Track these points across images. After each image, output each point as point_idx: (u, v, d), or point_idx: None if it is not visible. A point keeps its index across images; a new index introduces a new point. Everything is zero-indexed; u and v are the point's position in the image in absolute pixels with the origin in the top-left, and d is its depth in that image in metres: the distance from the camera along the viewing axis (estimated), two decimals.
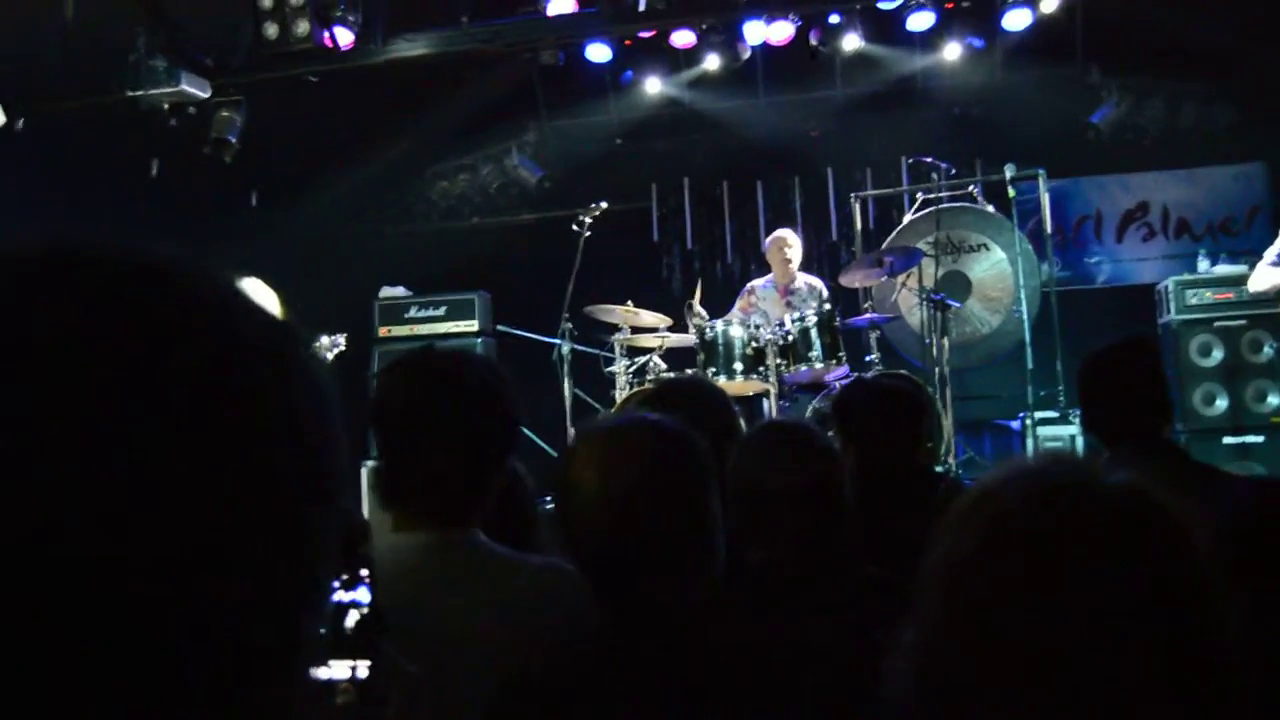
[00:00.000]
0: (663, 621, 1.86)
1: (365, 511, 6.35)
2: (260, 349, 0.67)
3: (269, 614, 0.63)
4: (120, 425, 0.58)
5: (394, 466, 2.18)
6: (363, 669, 1.06)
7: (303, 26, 7.20)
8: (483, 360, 2.33)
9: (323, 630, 0.72)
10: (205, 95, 7.59)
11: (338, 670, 1.04)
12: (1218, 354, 7.85)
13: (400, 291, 9.08)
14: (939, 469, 6.40)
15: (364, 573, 1.09)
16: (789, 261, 7.78)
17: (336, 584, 1.07)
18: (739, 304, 7.83)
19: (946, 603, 1.07)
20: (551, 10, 7.50)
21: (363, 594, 1.08)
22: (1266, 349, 7.67)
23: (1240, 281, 7.64)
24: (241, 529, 0.61)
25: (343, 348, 7.02)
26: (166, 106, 7.56)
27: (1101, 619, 0.99)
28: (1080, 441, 7.11)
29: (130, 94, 7.30)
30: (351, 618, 1.06)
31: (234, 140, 7.87)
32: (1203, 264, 8.53)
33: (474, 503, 2.16)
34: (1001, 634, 1.02)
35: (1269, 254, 6.16)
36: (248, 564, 0.62)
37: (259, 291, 6.50)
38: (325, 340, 7.02)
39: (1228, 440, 7.71)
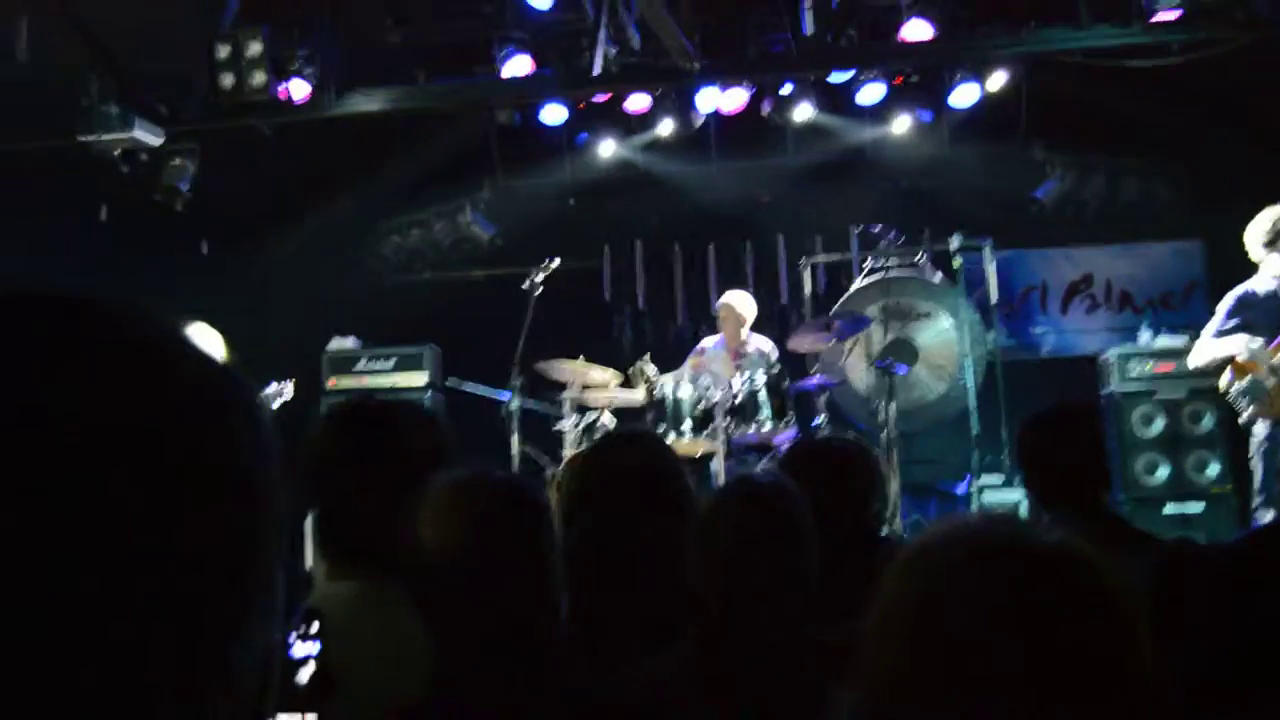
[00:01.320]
0: (497, 670, 1.88)
1: (309, 562, 6.26)
2: (201, 392, 0.67)
3: (198, 649, 0.63)
4: (47, 469, 0.59)
5: (328, 514, 2.16)
6: None
7: (259, 78, 7.20)
8: (418, 409, 2.32)
9: (270, 681, 0.72)
10: (158, 142, 7.55)
11: None
12: (1159, 424, 7.96)
13: (350, 343, 9.03)
14: (884, 532, 6.42)
15: (315, 627, 1.09)
16: (741, 324, 7.83)
17: (294, 636, 1.06)
18: (690, 362, 7.85)
19: (888, 659, 1.09)
20: (507, 72, 7.55)
21: (314, 648, 1.08)
22: (1207, 420, 7.80)
23: (1180, 354, 7.78)
24: (172, 566, 0.62)
25: (289, 396, 6.95)
26: (118, 153, 7.51)
27: (1040, 673, 1.01)
28: (1025, 507, 7.17)
29: (81, 138, 7.25)
30: (305, 672, 1.06)
31: (185, 189, 7.84)
32: (1144, 336, 8.67)
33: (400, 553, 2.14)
34: (944, 689, 1.03)
35: (1206, 331, 6.29)
36: (177, 604, 0.62)
37: (205, 336, 6.46)
38: (273, 387, 6.94)
39: (1169, 509, 7.80)
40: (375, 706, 1.89)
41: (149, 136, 7.44)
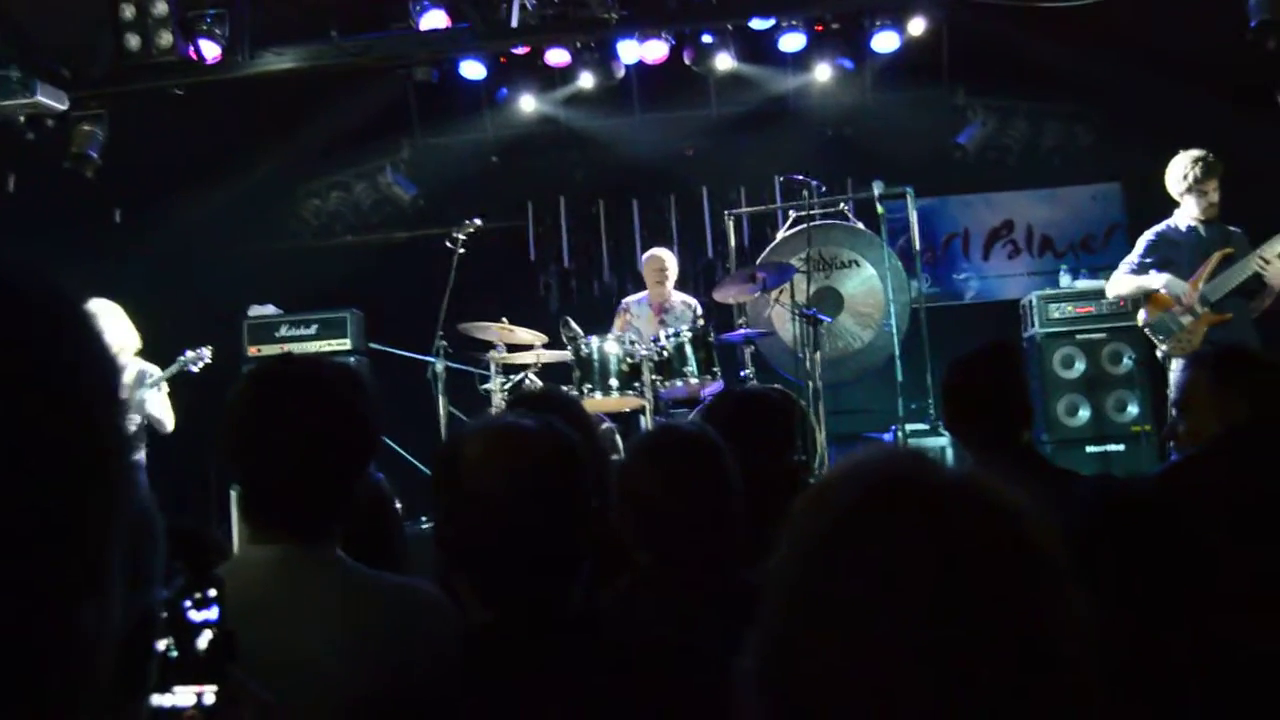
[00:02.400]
0: (553, 620, 1.86)
1: (236, 534, 6.19)
2: (38, 338, 0.64)
3: (38, 601, 0.60)
4: None
5: (248, 477, 2.11)
6: (209, 695, 1.01)
7: (166, 38, 7.01)
8: (339, 367, 2.24)
9: (147, 647, 0.68)
10: (63, 108, 7.34)
11: (182, 697, 1.00)
12: (1080, 366, 8.10)
13: (270, 310, 8.91)
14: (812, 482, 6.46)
15: (212, 592, 1.05)
16: (665, 280, 7.82)
17: (188, 603, 1.02)
18: (617, 322, 7.84)
19: (788, 599, 1.06)
20: (423, 25, 7.42)
21: (213, 614, 1.04)
22: (1126, 360, 7.94)
23: (1100, 296, 7.92)
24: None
25: (208, 360, 6.91)
26: (22, 119, 7.29)
27: (944, 612, 0.99)
28: (950, 453, 7.27)
29: None
30: (203, 640, 1.02)
31: (95, 155, 7.62)
32: (1065, 279, 8.81)
33: (329, 516, 2.09)
34: (842, 628, 1.01)
35: (1125, 263, 6.39)
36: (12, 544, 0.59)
37: (107, 312, 6.37)
38: (190, 354, 6.92)
39: (1090, 449, 7.95)
40: (292, 672, 1.85)
41: (53, 101, 7.23)
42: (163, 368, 6.93)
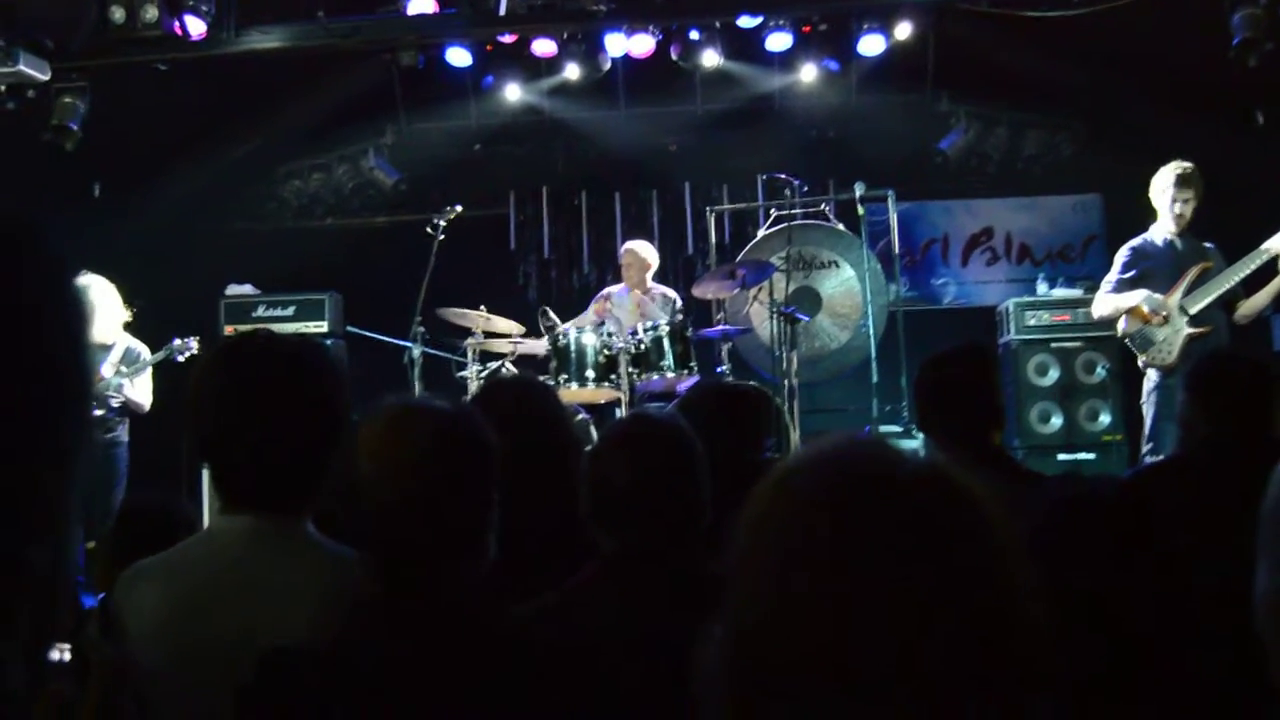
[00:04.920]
0: (434, 602, 1.87)
1: (206, 509, 6.18)
2: (24, 277, 0.63)
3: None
4: None
5: (216, 451, 2.11)
6: (63, 653, 1.00)
7: (151, 12, 6.98)
8: (308, 344, 2.23)
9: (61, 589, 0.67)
10: (45, 78, 7.28)
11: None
12: (1054, 373, 8.13)
13: (248, 290, 8.85)
14: None
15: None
16: (645, 271, 7.81)
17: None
18: (593, 307, 7.81)
19: (751, 589, 1.06)
20: (411, 10, 7.41)
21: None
22: (1100, 370, 7.98)
23: (1076, 305, 7.97)
24: None
25: (195, 352, 6.92)
26: (3, 88, 7.23)
27: (905, 598, 0.99)
28: (923, 455, 7.29)
29: None
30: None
31: (76, 128, 7.57)
32: (1042, 287, 8.84)
33: (298, 490, 2.09)
34: (805, 618, 1.01)
35: (1106, 282, 6.40)
36: None
37: (99, 287, 6.35)
38: (178, 342, 6.94)
39: (1062, 457, 7.99)
40: (255, 640, 1.86)
41: (35, 72, 7.16)
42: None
